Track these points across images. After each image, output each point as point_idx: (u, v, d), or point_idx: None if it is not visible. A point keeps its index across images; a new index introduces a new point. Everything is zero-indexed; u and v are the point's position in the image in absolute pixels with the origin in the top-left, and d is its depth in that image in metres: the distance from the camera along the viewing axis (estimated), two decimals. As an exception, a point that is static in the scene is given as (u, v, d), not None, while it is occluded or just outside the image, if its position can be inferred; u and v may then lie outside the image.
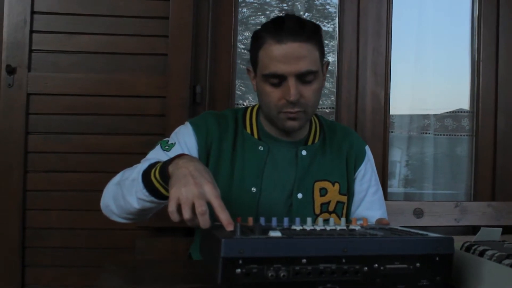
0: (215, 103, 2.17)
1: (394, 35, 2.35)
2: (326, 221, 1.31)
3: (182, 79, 1.98)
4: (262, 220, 0.99)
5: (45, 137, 1.94)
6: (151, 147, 1.95)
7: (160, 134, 1.97)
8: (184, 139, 1.37)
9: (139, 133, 1.98)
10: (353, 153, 1.47)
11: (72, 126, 1.95)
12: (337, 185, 1.41)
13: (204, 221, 0.91)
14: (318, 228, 0.92)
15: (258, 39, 1.31)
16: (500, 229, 1.09)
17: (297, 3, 2.44)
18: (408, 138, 2.51)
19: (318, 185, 1.39)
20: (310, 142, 1.43)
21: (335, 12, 2.41)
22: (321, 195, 1.39)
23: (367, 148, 1.52)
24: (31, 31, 1.94)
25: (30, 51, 1.94)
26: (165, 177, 1.04)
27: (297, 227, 0.92)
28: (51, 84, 1.94)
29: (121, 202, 1.19)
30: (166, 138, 1.39)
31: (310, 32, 1.28)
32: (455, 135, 2.52)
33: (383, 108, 2.33)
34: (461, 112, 2.52)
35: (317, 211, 1.38)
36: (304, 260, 0.81)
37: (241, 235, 0.82)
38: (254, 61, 1.35)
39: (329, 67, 1.66)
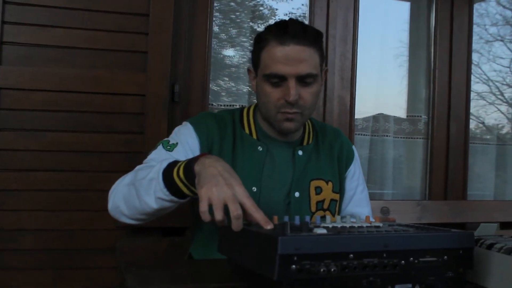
0: (190, 103, 2.17)
1: (360, 41, 2.47)
2: (323, 218, 1.39)
3: (161, 77, 1.96)
4: (286, 218, 1.03)
5: (17, 134, 1.85)
6: (129, 145, 1.94)
7: (138, 132, 1.95)
8: (186, 139, 1.38)
9: (116, 131, 1.93)
10: (343, 153, 1.54)
11: (46, 123, 1.87)
12: (330, 184, 1.48)
13: (238, 225, 0.92)
14: (355, 225, 0.97)
15: (261, 41, 1.35)
16: (495, 225, 1.20)
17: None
18: (371, 140, 2.62)
19: (313, 184, 1.45)
20: (305, 143, 1.48)
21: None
22: (317, 194, 1.45)
23: (354, 148, 1.61)
24: (3, 22, 1.84)
25: (1, 43, 1.84)
26: (190, 176, 1.04)
27: (337, 225, 0.96)
28: (24, 79, 1.85)
29: (135, 203, 1.17)
30: (166, 138, 1.39)
31: (312, 37, 1.33)
32: (411, 138, 2.67)
33: (349, 111, 2.44)
34: (418, 116, 2.68)
35: (313, 209, 1.44)
36: (351, 256, 0.85)
37: (292, 232, 0.85)
38: (256, 61, 1.38)
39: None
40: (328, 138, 1.54)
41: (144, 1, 1.95)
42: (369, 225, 1.01)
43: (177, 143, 1.35)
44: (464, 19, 2.62)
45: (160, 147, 1.35)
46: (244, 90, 2.44)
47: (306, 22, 2.44)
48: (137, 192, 1.15)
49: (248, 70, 1.45)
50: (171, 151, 1.33)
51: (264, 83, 1.34)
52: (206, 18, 2.20)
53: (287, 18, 2.38)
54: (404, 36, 2.69)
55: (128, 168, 1.31)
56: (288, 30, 1.30)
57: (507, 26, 2.93)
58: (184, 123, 1.44)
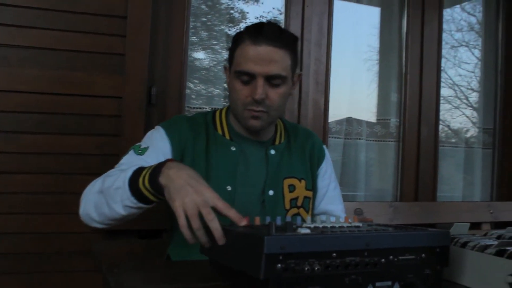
0: (167, 105, 2.18)
1: (333, 46, 2.51)
2: (294, 216, 1.43)
3: (139, 80, 1.96)
4: (267, 219, 1.05)
5: (-8, 136, 1.83)
6: (106, 148, 1.94)
7: (115, 135, 1.94)
8: (158, 143, 1.40)
9: (93, 133, 1.92)
10: (315, 152, 1.59)
11: (22, 125, 1.85)
12: (303, 182, 1.52)
13: (215, 227, 0.95)
14: (336, 225, 1.00)
15: (237, 39, 1.39)
16: (468, 224, 1.25)
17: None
18: (344, 143, 2.67)
19: (287, 182, 1.49)
20: (277, 142, 1.52)
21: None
22: (290, 191, 1.48)
23: (325, 147, 1.66)
24: (-24, 21, 1.82)
25: (-26, 43, 1.82)
26: (156, 186, 1.07)
27: (319, 225, 0.99)
28: (0, 80, 1.82)
29: (104, 210, 1.19)
30: (138, 143, 1.41)
31: (286, 40, 1.38)
32: (383, 141, 2.73)
33: (323, 115, 2.48)
34: (387, 119, 2.74)
35: (287, 206, 1.47)
36: (334, 254, 0.88)
37: (276, 232, 0.87)
38: (230, 58, 1.43)
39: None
40: (300, 138, 1.58)
41: (122, 4, 1.95)
42: (349, 225, 1.04)
43: (148, 147, 1.37)
44: (434, 25, 2.70)
45: (131, 152, 1.37)
46: (215, 92, 2.45)
47: (282, 27, 2.47)
48: (106, 200, 1.18)
49: (224, 67, 1.49)
50: (142, 154, 1.35)
51: (235, 80, 1.38)
52: (183, 21, 2.21)
53: (258, 21, 2.43)
54: (375, 41, 2.76)
55: (104, 170, 1.32)
56: (263, 31, 1.34)
57: (472, 32, 3.04)
58: (156, 127, 1.46)
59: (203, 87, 2.46)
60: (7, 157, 1.83)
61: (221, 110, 1.53)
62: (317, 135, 1.68)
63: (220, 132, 1.47)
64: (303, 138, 1.59)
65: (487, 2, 3.00)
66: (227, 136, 1.47)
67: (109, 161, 1.81)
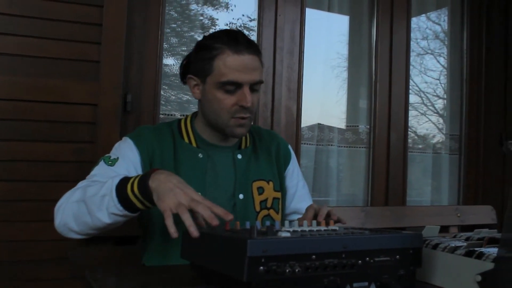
0: (141, 113, 2.18)
1: (305, 53, 2.57)
2: (266, 217, 1.49)
3: (114, 87, 1.97)
4: (247, 224, 1.09)
5: (-37, 143, 1.80)
6: (81, 155, 1.93)
7: (90, 142, 1.94)
8: (127, 153, 1.41)
9: (68, 140, 1.91)
10: (281, 153, 1.63)
11: (-5, 132, 1.83)
12: (271, 183, 1.55)
13: (210, 217, 1.01)
14: (314, 229, 1.04)
15: (211, 49, 1.39)
16: (438, 227, 1.30)
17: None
18: (316, 149, 2.72)
19: (255, 184, 1.52)
20: (243, 146, 1.55)
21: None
22: (259, 194, 1.52)
23: (290, 147, 1.69)
24: (-47, 29, 1.79)
25: (-49, 50, 1.79)
26: (145, 191, 1.11)
27: (297, 228, 1.02)
28: (-30, 86, 1.80)
29: (86, 219, 1.20)
30: (107, 154, 1.41)
31: (257, 47, 1.43)
32: (354, 147, 2.80)
33: (295, 121, 2.53)
34: (355, 126, 2.81)
35: (257, 208, 1.50)
36: (313, 256, 0.91)
37: (258, 236, 0.90)
38: (204, 69, 1.41)
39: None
40: (265, 140, 1.62)
41: (97, 11, 1.95)
42: (326, 228, 1.08)
43: (117, 158, 1.38)
44: (403, 34, 2.79)
45: (102, 163, 1.37)
46: (184, 98, 2.47)
47: (255, 34, 2.51)
48: (89, 209, 1.19)
49: (189, 78, 1.47)
50: (113, 166, 1.36)
51: (217, 90, 1.39)
52: (157, 29, 2.23)
53: (227, 27, 2.46)
54: (343, 48, 2.82)
55: (79, 177, 1.33)
56: (239, 40, 1.38)
57: (437, 40, 3.14)
58: (124, 138, 1.46)
59: (172, 93, 2.47)
60: (-19, 164, 1.81)
61: (185, 119, 1.55)
62: (279, 135, 1.72)
63: (186, 140, 1.49)
64: (267, 140, 1.62)
65: (453, 12, 3.11)
66: (194, 144, 1.48)
67: (85, 168, 1.79)
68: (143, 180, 1.12)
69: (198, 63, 1.43)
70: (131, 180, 1.15)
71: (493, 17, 3.05)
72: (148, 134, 1.45)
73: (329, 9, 2.77)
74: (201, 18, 2.51)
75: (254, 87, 1.40)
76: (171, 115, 2.37)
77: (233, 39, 1.38)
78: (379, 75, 2.74)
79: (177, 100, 2.46)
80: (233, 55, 1.36)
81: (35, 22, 1.88)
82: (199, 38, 2.46)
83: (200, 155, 1.46)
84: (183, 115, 2.32)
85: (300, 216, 1.55)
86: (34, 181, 1.87)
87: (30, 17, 1.88)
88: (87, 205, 1.19)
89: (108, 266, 1.81)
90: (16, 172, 1.85)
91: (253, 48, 1.39)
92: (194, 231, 0.98)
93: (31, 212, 1.86)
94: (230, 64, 1.36)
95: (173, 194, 1.06)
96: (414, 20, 2.97)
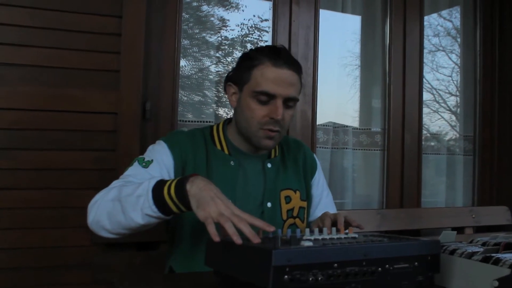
0: (160, 120, 2.23)
1: (320, 58, 2.60)
2: (292, 226, 1.52)
3: (134, 95, 2.01)
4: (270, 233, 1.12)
5: (-10, 153, 1.86)
6: (102, 163, 1.98)
7: (111, 150, 1.99)
8: (161, 156, 1.44)
9: (90, 149, 1.97)
10: (308, 163, 1.66)
11: (19, 142, 1.89)
12: (298, 193, 1.58)
13: (251, 234, 1.02)
14: (334, 236, 1.07)
15: (252, 59, 1.44)
16: (455, 232, 1.32)
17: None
18: (331, 152, 2.75)
19: (283, 193, 1.55)
20: (273, 156, 1.58)
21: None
22: (286, 203, 1.55)
23: (316, 157, 1.73)
24: (-25, 42, 1.85)
25: (-25, 62, 1.85)
26: (182, 195, 1.13)
27: (318, 237, 1.06)
28: (-4, 98, 1.86)
29: (119, 218, 1.22)
30: (141, 156, 1.44)
31: (299, 66, 1.47)
32: (369, 150, 2.82)
33: (311, 125, 2.56)
34: (367, 129, 2.83)
35: (284, 217, 1.54)
36: (335, 265, 0.94)
37: (282, 246, 0.94)
38: (243, 78, 1.45)
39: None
40: (292, 150, 1.65)
41: (116, 21, 2.00)
42: (346, 236, 1.11)
43: (152, 160, 1.41)
44: (416, 34, 2.81)
45: (136, 163, 1.40)
46: (196, 99, 2.49)
47: (266, 35, 2.56)
48: (123, 208, 1.20)
49: (228, 85, 1.52)
50: (147, 167, 1.39)
51: (251, 99, 1.42)
52: (174, 37, 2.27)
53: (240, 29, 2.50)
54: (356, 47, 2.84)
55: (101, 185, 1.36)
56: (281, 54, 1.42)
57: (448, 37, 3.14)
58: (158, 141, 1.50)
59: (184, 93, 2.48)
60: (5, 173, 1.87)
61: (217, 126, 1.58)
62: (305, 144, 1.75)
63: (218, 147, 1.52)
64: (295, 150, 1.65)
65: (465, 10, 3.11)
66: (226, 151, 1.52)
67: (106, 176, 1.86)
68: (181, 185, 1.13)
69: (238, 71, 1.48)
70: (168, 183, 1.16)
71: (505, 15, 3.05)
72: (182, 138, 1.48)
73: (343, 9, 2.79)
74: (212, 19, 2.53)
75: (288, 103, 1.43)
76: (189, 121, 2.40)
77: (275, 52, 1.42)
78: (393, 76, 2.76)
79: (189, 101, 2.48)
80: (271, 67, 1.40)
81: (56, 33, 1.93)
82: (211, 40, 2.53)
83: (232, 163, 1.49)
84: (202, 120, 2.38)
85: None
86: (57, 189, 1.92)
87: (51, 29, 1.93)
88: (122, 204, 1.20)
89: (130, 271, 1.86)
90: (40, 181, 1.91)
91: (293, 65, 1.43)
92: (237, 240, 1.00)
93: (54, 219, 1.92)
94: (267, 75, 1.40)
95: (214, 204, 1.07)
96: (425, 17, 2.96)
